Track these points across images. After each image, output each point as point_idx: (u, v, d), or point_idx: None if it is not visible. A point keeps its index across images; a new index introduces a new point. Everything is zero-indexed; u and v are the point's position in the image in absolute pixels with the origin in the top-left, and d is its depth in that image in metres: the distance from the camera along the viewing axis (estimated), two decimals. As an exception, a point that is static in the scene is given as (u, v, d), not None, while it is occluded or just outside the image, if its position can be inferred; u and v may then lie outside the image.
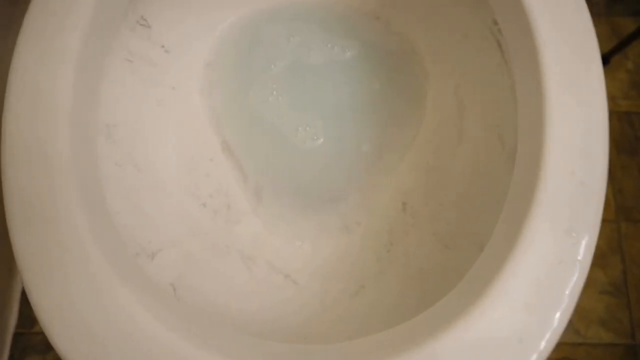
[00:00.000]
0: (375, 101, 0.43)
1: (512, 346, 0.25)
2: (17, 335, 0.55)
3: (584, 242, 0.26)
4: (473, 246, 0.36)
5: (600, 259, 0.59)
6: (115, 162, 0.38)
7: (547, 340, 0.25)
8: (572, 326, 0.57)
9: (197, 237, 0.40)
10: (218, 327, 0.31)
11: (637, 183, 0.61)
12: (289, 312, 0.37)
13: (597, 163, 0.27)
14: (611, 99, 0.64)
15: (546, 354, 0.25)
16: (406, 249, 0.40)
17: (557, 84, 0.29)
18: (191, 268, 0.38)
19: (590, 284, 0.58)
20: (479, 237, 0.35)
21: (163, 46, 0.44)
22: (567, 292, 0.26)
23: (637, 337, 0.57)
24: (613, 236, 0.60)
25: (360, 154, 0.42)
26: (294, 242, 0.41)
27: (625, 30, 0.65)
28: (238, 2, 0.46)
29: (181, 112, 0.44)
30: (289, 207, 0.42)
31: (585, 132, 0.28)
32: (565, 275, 0.26)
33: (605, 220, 0.60)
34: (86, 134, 0.33)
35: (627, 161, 0.62)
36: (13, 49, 0.32)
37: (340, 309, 0.37)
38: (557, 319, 0.26)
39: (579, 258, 0.26)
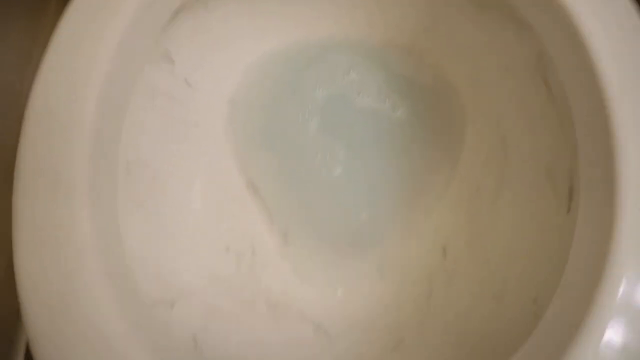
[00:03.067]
0: (406, 135, 0.41)
1: None
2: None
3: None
4: (525, 299, 0.32)
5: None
6: (135, 201, 0.36)
7: None
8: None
9: (220, 283, 0.37)
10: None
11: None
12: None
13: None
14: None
15: None
16: (448, 298, 0.36)
17: (627, 120, 0.26)
18: (214, 318, 0.35)
19: None
20: (531, 289, 0.32)
21: (186, 80, 0.42)
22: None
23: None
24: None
25: (393, 194, 0.40)
26: (326, 289, 0.38)
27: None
28: (263, 38, 0.45)
29: (204, 150, 0.42)
30: (320, 251, 0.39)
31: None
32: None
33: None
34: (106, 170, 0.31)
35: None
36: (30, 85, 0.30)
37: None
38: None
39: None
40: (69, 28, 0.31)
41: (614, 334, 0.24)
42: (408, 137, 0.41)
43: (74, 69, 0.30)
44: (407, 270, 0.38)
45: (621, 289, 0.24)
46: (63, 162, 0.28)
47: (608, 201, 0.26)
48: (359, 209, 0.39)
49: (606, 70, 0.27)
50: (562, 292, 0.27)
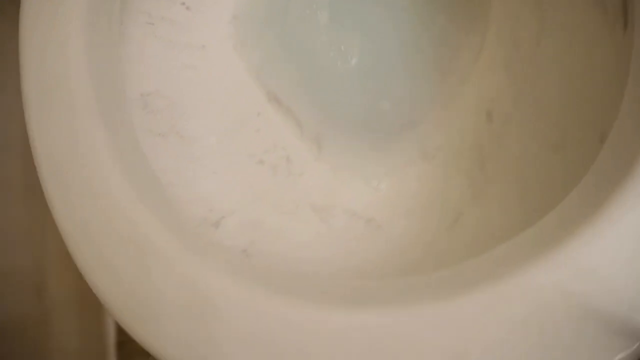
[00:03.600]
0: (426, 7, 0.37)
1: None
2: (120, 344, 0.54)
3: None
4: (591, 139, 0.29)
5: None
6: (157, 132, 0.35)
7: None
8: None
9: (260, 197, 0.36)
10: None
11: None
12: (379, 257, 0.32)
13: None
14: None
15: None
16: (503, 163, 0.33)
17: None
18: (261, 231, 0.34)
19: None
20: (596, 125, 0.29)
21: (183, 3, 0.40)
22: None
23: None
24: None
25: (423, 67, 0.36)
26: (370, 182, 0.36)
27: None
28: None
29: (217, 70, 0.40)
30: (357, 145, 0.37)
31: None
32: None
33: None
34: (117, 108, 0.30)
35: None
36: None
37: (438, 244, 0.32)
38: None
39: None
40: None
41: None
42: (429, 9, 0.37)
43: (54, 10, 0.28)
44: (453, 145, 0.35)
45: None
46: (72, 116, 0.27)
47: None
48: (388, 92, 0.36)
49: None
50: (621, 120, 0.23)
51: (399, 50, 0.37)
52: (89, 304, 0.50)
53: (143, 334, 0.23)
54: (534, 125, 0.32)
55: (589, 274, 0.20)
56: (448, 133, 0.35)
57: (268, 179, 0.36)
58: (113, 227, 0.24)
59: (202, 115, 0.38)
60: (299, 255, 0.34)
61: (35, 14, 0.28)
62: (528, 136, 0.32)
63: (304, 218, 0.35)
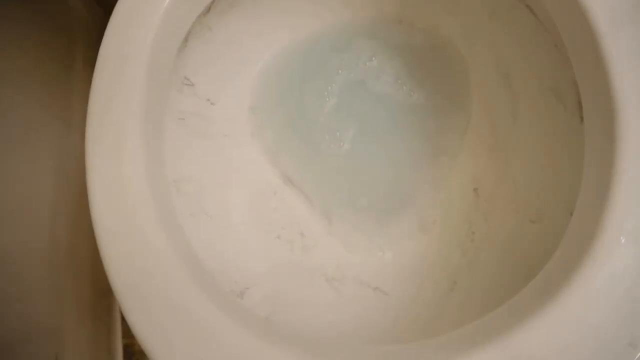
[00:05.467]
0: (418, 96, 0.44)
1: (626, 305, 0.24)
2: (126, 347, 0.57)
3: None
4: (562, 213, 0.34)
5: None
6: (189, 213, 0.40)
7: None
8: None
9: (279, 269, 0.40)
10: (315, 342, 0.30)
11: None
12: (385, 322, 0.36)
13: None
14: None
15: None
16: (490, 235, 0.38)
17: (604, 16, 0.28)
18: (281, 300, 0.38)
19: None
20: (566, 202, 0.34)
21: (209, 99, 0.46)
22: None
23: None
24: None
25: (416, 153, 0.42)
26: (375, 253, 0.41)
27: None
28: (266, 45, 0.49)
29: (237, 156, 0.46)
30: (363, 221, 0.42)
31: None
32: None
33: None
34: (163, 194, 0.35)
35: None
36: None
37: (436, 308, 0.36)
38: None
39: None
40: (99, 89, 0.34)
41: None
42: (420, 112, 0.43)
43: (114, 118, 0.33)
44: (446, 220, 0.40)
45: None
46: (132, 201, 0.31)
47: (608, 107, 0.27)
48: (385, 176, 0.42)
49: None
50: (582, 197, 0.28)
51: (391, 140, 0.43)
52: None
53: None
54: (513, 202, 0.38)
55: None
56: (442, 209, 0.41)
57: (285, 252, 0.41)
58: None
59: (227, 196, 0.44)
60: (315, 321, 0.38)
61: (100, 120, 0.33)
62: (509, 211, 0.38)
63: (318, 287, 0.40)
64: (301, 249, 0.42)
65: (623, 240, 0.25)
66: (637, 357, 0.24)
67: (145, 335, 0.27)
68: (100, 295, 0.52)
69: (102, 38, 0.35)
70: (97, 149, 0.32)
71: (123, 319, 0.55)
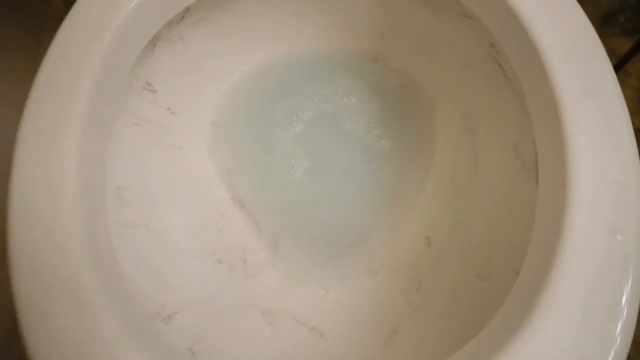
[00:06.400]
0: (382, 136, 0.43)
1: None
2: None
3: (632, 243, 0.24)
4: (509, 274, 0.33)
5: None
6: (126, 224, 0.37)
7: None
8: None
9: (214, 296, 0.38)
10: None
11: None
12: (318, 366, 0.34)
13: (627, 157, 0.25)
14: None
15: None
16: (436, 286, 0.37)
17: (568, 88, 0.28)
18: (209, 330, 0.36)
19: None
20: (514, 263, 0.33)
21: (169, 109, 0.44)
22: (623, 302, 0.23)
23: None
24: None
25: (374, 194, 0.41)
26: (318, 291, 0.39)
27: (621, 49, 0.65)
28: (238, 63, 0.48)
29: (191, 171, 0.44)
30: (309, 256, 0.40)
31: (607, 129, 0.26)
32: (618, 282, 0.23)
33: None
34: (94, 198, 0.33)
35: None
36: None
37: (371, 357, 0.34)
38: (619, 334, 0.23)
39: (630, 261, 0.24)
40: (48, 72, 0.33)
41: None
42: (383, 159, 0.43)
43: (57, 102, 0.31)
44: (395, 264, 0.39)
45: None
46: (53, 194, 0.29)
47: (562, 176, 0.27)
48: (344, 212, 0.41)
49: (546, 49, 0.29)
50: (531, 253, 0.27)
51: (348, 179, 0.42)
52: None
53: None
54: (463, 256, 0.37)
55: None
56: (391, 253, 0.39)
57: (224, 279, 0.39)
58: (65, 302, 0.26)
59: (172, 211, 0.41)
60: (243, 355, 0.36)
61: (40, 104, 0.31)
62: (458, 265, 0.37)
63: (252, 320, 0.37)
64: (241, 276, 0.39)
65: (564, 306, 0.24)
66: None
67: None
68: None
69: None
70: (28, 141, 0.29)
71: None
